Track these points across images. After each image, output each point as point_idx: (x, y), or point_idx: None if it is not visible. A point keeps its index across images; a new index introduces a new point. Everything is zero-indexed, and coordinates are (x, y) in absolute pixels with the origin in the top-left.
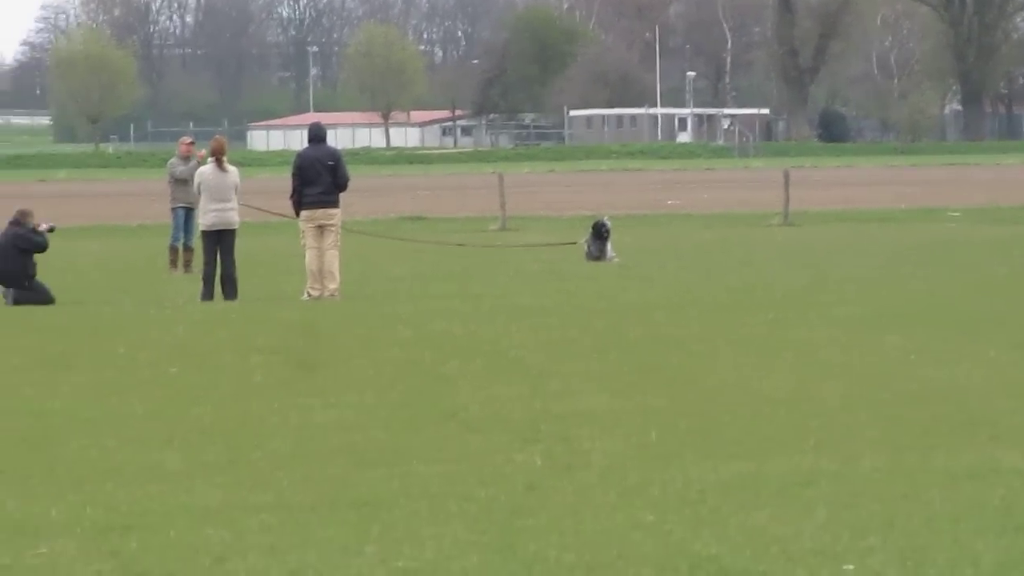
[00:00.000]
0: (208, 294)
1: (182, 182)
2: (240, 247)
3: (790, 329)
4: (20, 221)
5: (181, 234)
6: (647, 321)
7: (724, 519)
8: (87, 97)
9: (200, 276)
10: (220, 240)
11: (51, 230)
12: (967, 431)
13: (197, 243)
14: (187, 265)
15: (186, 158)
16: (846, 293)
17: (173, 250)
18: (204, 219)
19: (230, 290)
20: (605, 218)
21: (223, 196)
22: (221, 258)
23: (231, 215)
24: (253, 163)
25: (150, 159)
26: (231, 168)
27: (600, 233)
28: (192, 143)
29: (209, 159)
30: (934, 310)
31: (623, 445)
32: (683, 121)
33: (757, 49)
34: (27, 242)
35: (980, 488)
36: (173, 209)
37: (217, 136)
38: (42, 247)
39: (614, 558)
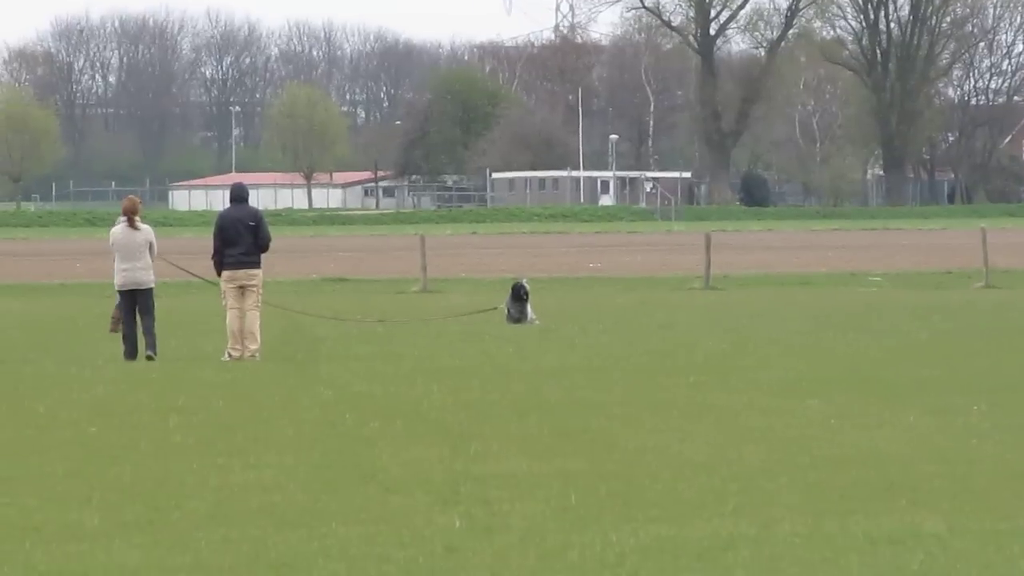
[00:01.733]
0: (131, 353)
1: None
2: (160, 306)
3: (711, 393)
4: None
5: None
6: (567, 384)
7: None
8: (9, 156)
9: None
10: (136, 300)
11: None
12: (887, 496)
13: None
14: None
15: None
16: (767, 357)
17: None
18: (116, 279)
19: (150, 342)
20: (524, 280)
21: (133, 255)
22: (140, 317)
23: (141, 275)
24: (175, 223)
25: (72, 218)
26: (143, 227)
27: (519, 295)
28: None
29: (121, 218)
30: (855, 375)
31: (543, 508)
32: (605, 184)
33: (679, 112)
34: None
35: (899, 553)
36: None
37: (130, 196)
38: None
39: None
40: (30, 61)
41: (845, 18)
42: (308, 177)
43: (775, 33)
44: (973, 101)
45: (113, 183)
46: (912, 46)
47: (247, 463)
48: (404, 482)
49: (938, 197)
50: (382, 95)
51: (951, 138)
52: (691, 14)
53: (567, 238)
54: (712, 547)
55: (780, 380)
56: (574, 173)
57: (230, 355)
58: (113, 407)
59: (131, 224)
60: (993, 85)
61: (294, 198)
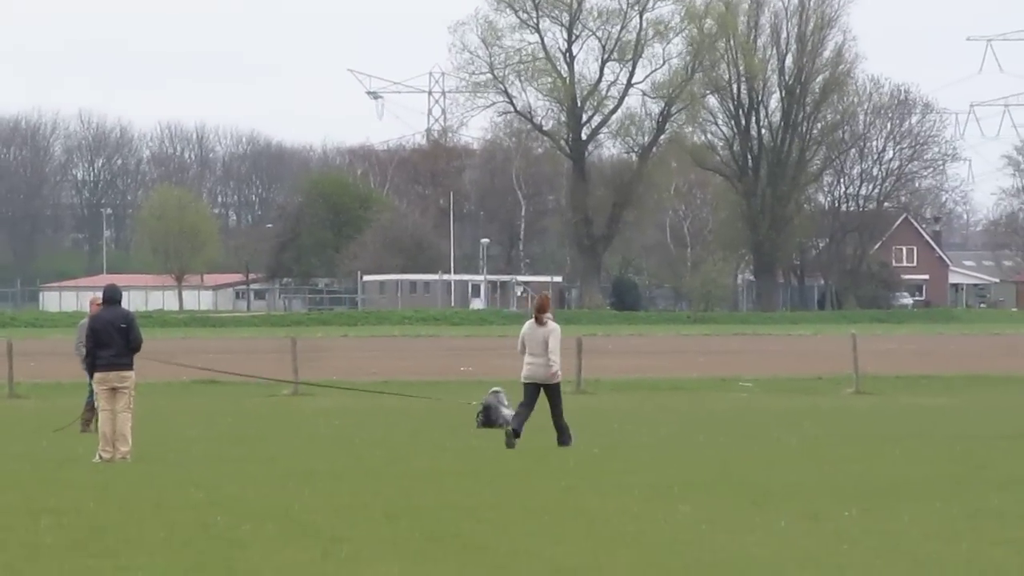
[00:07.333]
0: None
1: None
2: (31, 407)
3: (582, 497)
4: None
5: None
6: (438, 488)
7: None
8: None
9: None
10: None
11: None
12: None
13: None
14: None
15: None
16: (638, 461)
17: (91, 407)
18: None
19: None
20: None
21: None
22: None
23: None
24: (46, 324)
25: None
26: (550, 323)
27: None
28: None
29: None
30: (726, 480)
31: None
32: (476, 288)
33: (551, 216)
34: None
35: None
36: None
37: (544, 293)
38: None
39: None
40: None
41: (716, 124)
42: (179, 279)
43: (647, 138)
44: (843, 207)
45: None
46: (783, 152)
47: (118, 564)
48: None
49: (808, 303)
50: (254, 197)
51: (821, 244)
52: (562, 119)
53: (438, 341)
54: None
55: (651, 484)
56: (445, 276)
57: (101, 457)
58: None
59: (538, 321)
60: (863, 191)
61: (165, 300)
